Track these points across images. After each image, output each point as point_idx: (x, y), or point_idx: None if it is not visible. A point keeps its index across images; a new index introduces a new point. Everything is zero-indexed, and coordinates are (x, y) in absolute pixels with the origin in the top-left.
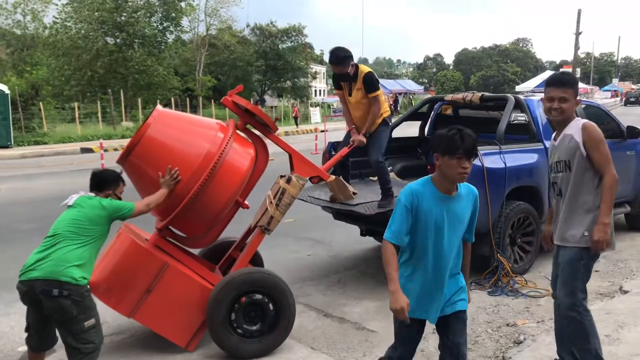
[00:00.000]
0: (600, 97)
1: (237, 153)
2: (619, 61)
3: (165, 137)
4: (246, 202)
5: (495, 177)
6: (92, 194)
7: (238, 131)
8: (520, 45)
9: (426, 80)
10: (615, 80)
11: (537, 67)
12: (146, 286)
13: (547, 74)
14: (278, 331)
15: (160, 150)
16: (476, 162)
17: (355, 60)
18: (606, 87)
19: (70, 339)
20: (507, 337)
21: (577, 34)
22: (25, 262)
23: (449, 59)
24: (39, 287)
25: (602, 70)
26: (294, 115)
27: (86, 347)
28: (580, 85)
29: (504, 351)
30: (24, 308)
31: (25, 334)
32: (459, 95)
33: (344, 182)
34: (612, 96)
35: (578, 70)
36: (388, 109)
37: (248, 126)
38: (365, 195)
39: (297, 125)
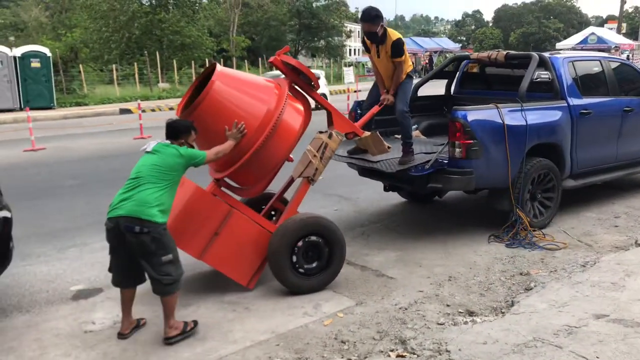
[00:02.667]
0: None
1: (292, 111)
2: None
3: (229, 95)
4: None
5: (515, 134)
6: (168, 142)
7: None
8: (564, 0)
9: (464, 38)
10: None
11: (582, 22)
12: (214, 230)
13: (591, 29)
14: (329, 272)
15: (225, 106)
16: (496, 118)
17: (392, 17)
18: None
19: (151, 271)
20: (519, 285)
21: None
22: (112, 201)
23: (488, 16)
24: (123, 224)
25: None
26: None
27: (165, 279)
28: (627, 41)
29: (514, 296)
30: (74, 254)
31: (110, 274)
32: (484, 54)
33: (380, 137)
34: None
35: (624, 25)
36: (411, 64)
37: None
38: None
39: None
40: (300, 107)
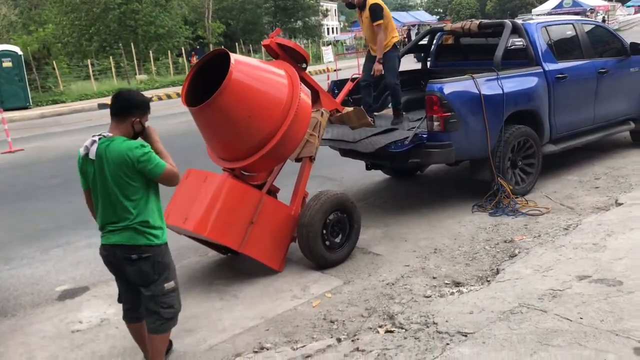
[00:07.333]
0: (623, 14)
1: (303, 92)
2: None
3: (249, 80)
4: None
5: (492, 103)
6: (110, 135)
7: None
8: None
9: (441, 10)
10: None
11: None
12: (249, 218)
13: None
14: (349, 245)
15: (247, 92)
16: (473, 89)
17: None
18: (629, 3)
19: (150, 302)
20: (503, 252)
21: None
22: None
23: None
24: (120, 253)
25: None
26: None
27: (167, 312)
28: (601, 2)
29: (499, 264)
30: (58, 254)
31: (121, 305)
32: (457, 25)
33: (363, 110)
34: (636, 12)
35: None
36: (397, 34)
37: None
38: (365, 131)
39: None
40: (306, 88)
